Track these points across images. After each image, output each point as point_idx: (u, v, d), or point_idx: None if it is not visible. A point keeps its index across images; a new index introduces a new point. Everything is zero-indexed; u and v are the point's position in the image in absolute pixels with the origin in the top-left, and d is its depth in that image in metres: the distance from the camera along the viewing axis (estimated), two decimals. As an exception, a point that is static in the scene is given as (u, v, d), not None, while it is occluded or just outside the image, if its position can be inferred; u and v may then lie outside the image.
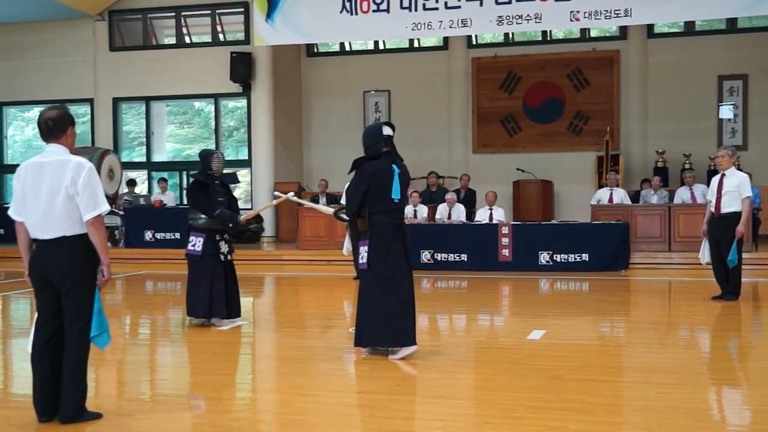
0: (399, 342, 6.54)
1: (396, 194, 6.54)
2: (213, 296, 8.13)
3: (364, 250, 6.56)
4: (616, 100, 18.98)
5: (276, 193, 9.70)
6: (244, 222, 8.43)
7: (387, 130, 6.64)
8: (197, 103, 22.13)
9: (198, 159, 8.52)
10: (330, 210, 7.74)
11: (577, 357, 6.82)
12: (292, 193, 8.77)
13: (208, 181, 8.23)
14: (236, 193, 8.81)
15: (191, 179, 8.49)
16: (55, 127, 4.84)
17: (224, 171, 8.58)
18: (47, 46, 20.58)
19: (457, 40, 19.44)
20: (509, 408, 5.21)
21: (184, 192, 20.30)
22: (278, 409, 5.47)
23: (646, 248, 14.33)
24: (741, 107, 18.38)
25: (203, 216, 8.16)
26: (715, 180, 9.90)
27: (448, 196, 15.07)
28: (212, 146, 20.23)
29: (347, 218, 6.96)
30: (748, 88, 18.33)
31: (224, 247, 8.27)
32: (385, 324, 6.50)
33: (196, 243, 8.16)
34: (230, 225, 8.29)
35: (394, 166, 6.57)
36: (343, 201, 12.82)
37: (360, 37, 18.74)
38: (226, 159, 8.88)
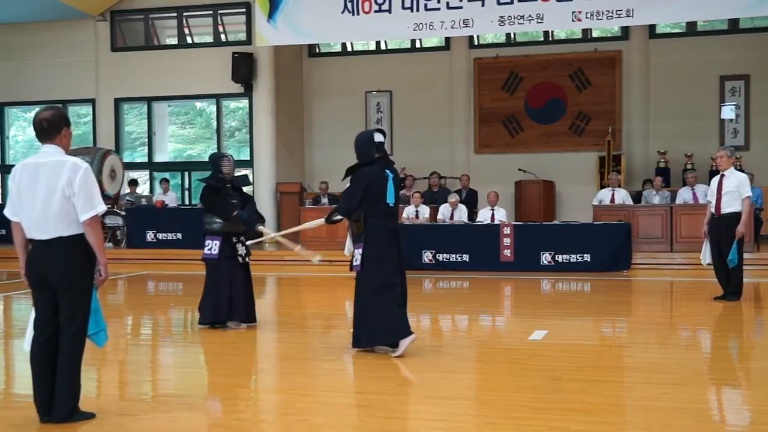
0: (397, 335, 6.63)
1: (390, 199, 6.75)
2: (232, 298, 8.10)
3: (358, 253, 6.74)
4: (617, 100, 18.97)
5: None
6: (258, 232, 8.39)
7: (378, 137, 6.82)
8: (199, 104, 22.16)
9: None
10: (320, 220, 7.71)
11: (579, 357, 6.82)
12: (299, 247, 8.66)
13: (219, 184, 8.20)
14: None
15: (203, 184, 8.42)
16: (50, 127, 4.84)
17: (235, 173, 8.55)
18: (49, 47, 20.59)
19: (458, 40, 19.44)
20: (511, 408, 5.21)
21: (186, 192, 20.34)
22: (280, 409, 5.48)
23: (648, 249, 14.32)
24: (743, 107, 18.37)
25: (218, 220, 8.14)
26: (715, 181, 9.90)
27: (452, 198, 15.05)
28: (214, 147, 20.31)
29: (338, 219, 7.10)
30: (749, 89, 18.31)
31: (242, 250, 8.25)
32: (382, 323, 6.63)
33: (212, 246, 8.12)
34: (247, 225, 8.24)
35: (387, 171, 6.75)
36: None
37: (362, 37, 18.76)
38: (228, 159, 8.78)
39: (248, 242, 8.32)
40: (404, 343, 6.60)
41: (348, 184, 6.87)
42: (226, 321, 8.16)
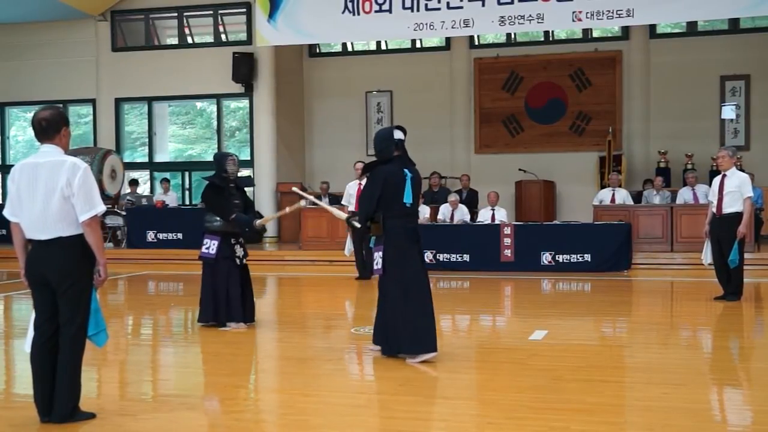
0: (423, 349, 6.44)
1: (408, 198, 6.51)
2: (229, 299, 8.07)
3: (378, 256, 6.48)
4: (618, 100, 18.96)
5: (295, 189, 9.33)
6: (260, 226, 8.36)
7: (398, 134, 6.59)
8: (199, 104, 22.15)
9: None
10: (343, 216, 7.68)
11: (579, 357, 6.82)
12: (307, 201, 8.57)
13: (223, 184, 8.14)
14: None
15: (204, 183, 8.39)
16: (49, 127, 4.83)
17: (239, 174, 8.52)
18: (49, 47, 20.60)
19: (459, 40, 19.44)
20: (511, 408, 5.21)
21: (187, 192, 20.33)
22: (280, 410, 5.48)
23: (648, 249, 14.31)
24: (743, 107, 18.36)
25: (218, 219, 8.10)
26: (717, 181, 9.89)
27: (452, 198, 15.04)
28: (214, 147, 20.30)
29: (359, 225, 6.80)
30: (750, 89, 18.31)
31: (239, 251, 8.20)
32: (406, 330, 6.41)
33: (210, 246, 8.08)
34: (246, 229, 8.21)
35: (406, 170, 6.54)
36: (344, 202, 12.90)
37: (362, 37, 18.76)
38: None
39: (265, 219, 8.25)
40: (424, 356, 6.45)
41: (366, 183, 6.69)
42: (225, 321, 8.14)
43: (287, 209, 8.51)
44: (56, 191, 4.71)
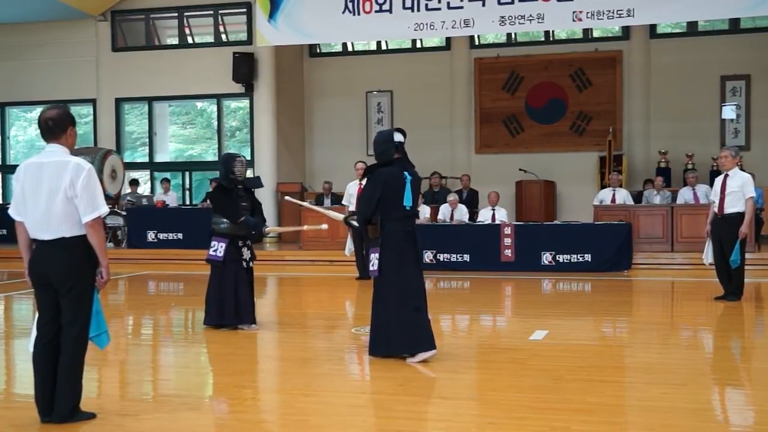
0: (417, 348, 6.46)
1: (408, 201, 6.49)
2: (239, 301, 8.02)
3: (375, 257, 6.49)
4: (618, 100, 18.97)
5: (288, 198, 9.33)
6: (268, 233, 8.32)
7: (398, 137, 6.58)
8: (200, 104, 22.15)
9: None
10: (340, 216, 7.68)
11: (580, 357, 6.81)
12: (325, 226, 8.55)
13: (230, 185, 8.09)
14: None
15: (206, 184, 8.35)
16: (55, 126, 4.83)
17: (247, 175, 8.48)
18: (50, 47, 20.60)
19: (459, 40, 19.44)
20: (512, 408, 5.21)
21: (187, 192, 20.33)
22: (281, 410, 5.48)
23: (649, 249, 14.31)
24: (744, 107, 18.37)
25: (225, 221, 8.05)
26: (719, 180, 9.89)
27: (451, 197, 15.04)
28: (215, 147, 20.29)
29: (357, 224, 6.84)
30: (750, 89, 18.31)
31: (246, 254, 8.15)
32: (401, 331, 6.42)
33: (218, 248, 8.01)
34: (253, 233, 8.17)
35: (406, 173, 6.52)
36: (344, 202, 12.91)
37: (362, 37, 18.77)
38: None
39: (275, 229, 8.21)
40: (423, 355, 6.46)
41: (365, 184, 6.69)
42: (234, 324, 8.10)
43: (306, 227, 8.56)
44: (59, 191, 4.70)
